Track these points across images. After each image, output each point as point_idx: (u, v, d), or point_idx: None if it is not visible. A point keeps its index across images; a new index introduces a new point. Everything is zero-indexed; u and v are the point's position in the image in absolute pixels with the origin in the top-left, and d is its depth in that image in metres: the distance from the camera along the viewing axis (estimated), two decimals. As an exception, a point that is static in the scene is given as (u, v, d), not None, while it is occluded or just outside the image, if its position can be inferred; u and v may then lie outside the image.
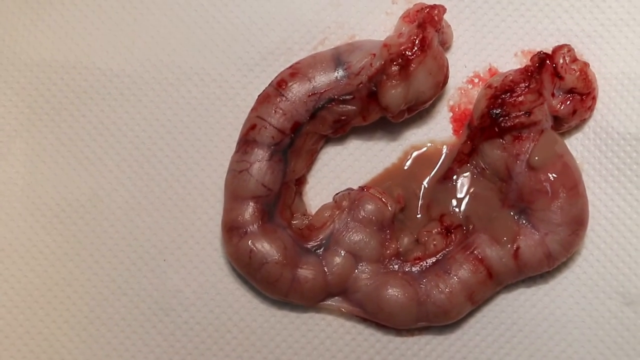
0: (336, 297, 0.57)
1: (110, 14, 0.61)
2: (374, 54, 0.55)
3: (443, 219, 0.57)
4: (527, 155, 0.55)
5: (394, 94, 0.55)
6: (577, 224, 0.55)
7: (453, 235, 0.57)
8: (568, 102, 0.56)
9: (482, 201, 0.57)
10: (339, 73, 0.55)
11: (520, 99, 0.55)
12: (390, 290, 0.55)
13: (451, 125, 0.59)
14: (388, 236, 0.57)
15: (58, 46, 0.61)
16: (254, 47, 0.60)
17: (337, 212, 0.57)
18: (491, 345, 0.57)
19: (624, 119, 0.58)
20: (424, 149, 0.59)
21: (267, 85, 0.57)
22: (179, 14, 0.60)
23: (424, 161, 0.59)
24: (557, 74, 0.56)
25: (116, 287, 0.59)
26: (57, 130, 0.60)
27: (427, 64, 0.55)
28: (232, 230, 0.56)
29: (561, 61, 0.56)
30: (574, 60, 0.56)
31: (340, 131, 0.58)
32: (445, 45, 0.59)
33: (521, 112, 0.55)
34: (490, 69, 0.59)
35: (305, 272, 0.55)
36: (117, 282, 0.59)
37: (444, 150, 0.59)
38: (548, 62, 0.55)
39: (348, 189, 0.58)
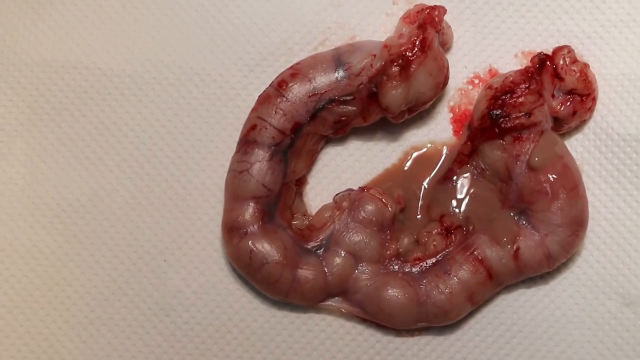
0: (336, 298, 0.57)
1: (110, 14, 0.61)
2: (375, 55, 0.55)
3: (443, 219, 0.57)
4: (527, 156, 0.55)
5: (394, 94, 0.55)
6: (577, 224, 0.55)
7: (453, 236, 0.57)
8: (568, 103, 0.56)
9: (482, 202, 0.57)
10: (340, 74, 0.55)
11: (520, 100, 0.55)
12: (390, 291, 0.55)
13: (451, 126, 0.59)
14: (388, 237, 0.57)
15: (58, 46, 0.61)
16: (255, 48, 0.60)
17: (337, 213, 0.57)
18: (491, 345, 0.57)
19: (624, 120, 0.58)
20: (424, 149, 0.59)
21: (267, 85, 0.57)
22: (179, 14, 0.60)
23: (424, 162, 0.59)
24: (557, 75, 0.56)
25: (117, 287, 0.59)
26: (57, 130, 0.60)
27: (427, 65, 0.55)
28: (232, 230, 0.56)
29: (561, 62, 0.56)
30: (574, 61, 0.56)
31: (341, 132, 0.58)
32: (446, 46, 0.59)
33: (521, 113, 0.55)
34: (490, 70, 0.59)
35: (306, 273, 0.55)
36: (117, 282, 0.59)
37: (444, 151, 0.59)
38: (548, 63, 0.55)
39: (348, 190, 0.58)
